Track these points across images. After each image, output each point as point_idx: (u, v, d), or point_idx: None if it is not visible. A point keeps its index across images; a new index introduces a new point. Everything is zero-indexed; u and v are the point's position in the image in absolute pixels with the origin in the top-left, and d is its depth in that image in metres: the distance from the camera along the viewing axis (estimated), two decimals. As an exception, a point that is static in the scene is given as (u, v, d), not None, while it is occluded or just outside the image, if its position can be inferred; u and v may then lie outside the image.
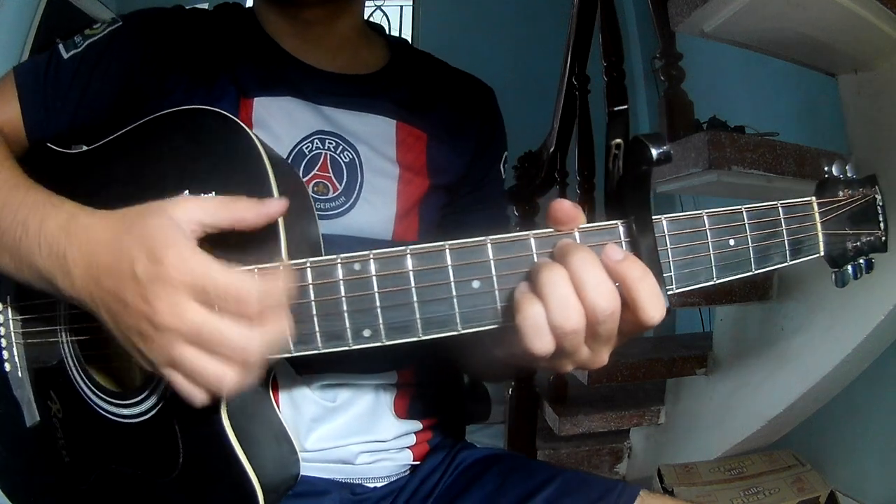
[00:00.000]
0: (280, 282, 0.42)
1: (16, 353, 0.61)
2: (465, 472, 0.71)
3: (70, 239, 0.45)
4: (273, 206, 0.46)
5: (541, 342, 0.40)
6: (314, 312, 0.44)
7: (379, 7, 3.50)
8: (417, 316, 0.43)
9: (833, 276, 0.51)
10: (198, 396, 0.42)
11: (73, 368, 0.58)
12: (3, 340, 0.62)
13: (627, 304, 0.41)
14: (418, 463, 0.72)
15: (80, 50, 0.64)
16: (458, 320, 0.43)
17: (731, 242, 0.45)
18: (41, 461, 0.61)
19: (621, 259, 0.41)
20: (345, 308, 0.44)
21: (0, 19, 2.31)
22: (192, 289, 0.40)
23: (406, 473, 0.72)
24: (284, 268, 0.44)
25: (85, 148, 0.60)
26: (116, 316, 0.43)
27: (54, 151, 0.62)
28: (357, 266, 0.44)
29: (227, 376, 0.41)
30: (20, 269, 0.49)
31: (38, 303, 0.59)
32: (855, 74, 1.33)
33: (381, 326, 0.44)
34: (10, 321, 0.61)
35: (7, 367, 0.61)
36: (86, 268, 0.44)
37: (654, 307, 0.40)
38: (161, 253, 0.41)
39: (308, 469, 0.64)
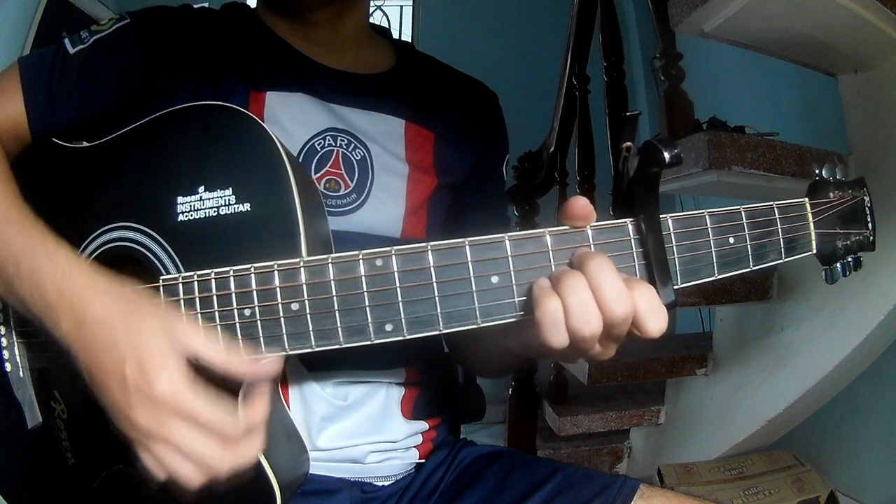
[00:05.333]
0: (262, 410, 0.46)
1: (17, 352, 0.61)
2: (468, 468, 0.72)
3: (61, 304, 0.46)
4: (268, 368, 0.46)
5: (558, 337, 0.42)
6: (336, 308, 0.45)
7: (379, 7, 3.50)
8: (439, 310, 0.45)
9: (823, 273, 0.54)
10: (158, 478, 0.45)
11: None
12: (4, 340, 0.61)
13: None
14: (423, 461, 0.73)
15: (86, 46, 0.64)
16: (477, 314, 0.45)
17: (731, 240, 0.48)
18: (44, 464, 0.60)
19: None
20: (367, 303, 0.45)
21: (0, 19, 2.31)
22: (178, 412, 0.43)
23: (412, 471, 0.73)
24: (263, 393, 0.46)
25: (86, 144, 0.59)
26: (98, 388, 0.45)
27: (60, 147, 0.61)
28: (379, 262, 0.45)
29: (197, 476, 0.44)
30: (14, 302, 0.51)
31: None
32: (855, 74, 1.33)
33: (403, 321, 0.45)
34: (11, 320, 0.61)
35: (7, 367, 0.61)
36: (76, 335, 0.46)
37: (654, 320, 0.43)
38: (152, 373, 0.43)
39: (318, 468, 0.65)
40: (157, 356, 0.43)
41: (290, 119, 0.66)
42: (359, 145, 0.69)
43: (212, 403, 0.44)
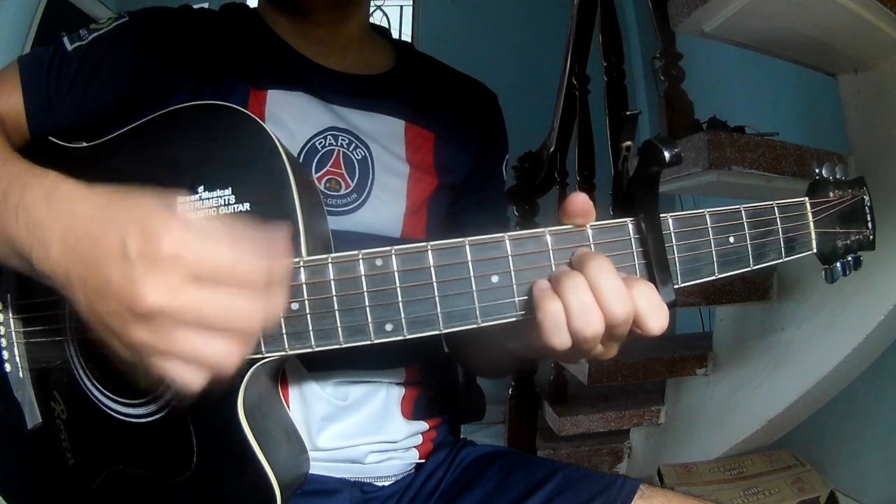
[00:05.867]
0: (286, 257, 0.41)
1: (16, 353, 0.61)
2: (468, 468, 0.72)
3: (50, 207, 0.43)
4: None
5: (560, 338, 0.42)
6: (336, 308, 0.45)
7: (379, 7, 3.50)
8: (439, 310, 0.45)
9: (823, 273, 0.54)
10: (196, 380, 0.39)
11: (79, 368, 0.57)
12: (4, 340, 0.61)
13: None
14: (423, 461, 0.73)
15: (84, 44, 0.64)
16: (477, 314, 0.45)
17: (731, 240, 0.48)
18: (44, 464, 0.60)
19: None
20: (367, 303, 0.45)
21: (0, 19, 2.31)
22: (192, 271, 0.37)
23: (412, 471, 0.73)
24: (286, 242, 0.41)
25: (85, 144, 0.59)
26: (94, 296, 0.39)
27: (58, 146, 0.61)
28: (379, 262, 0.45)
29: (231, 352, 0.39)
30: None
31: (40, 301, 0.59)
32: (855, 74, 1.33)
33: (403, 320, 0.45)
34: (11, 320, 0.61)
35: (7, 367, 0.61)
36: (63, 238, 0.41)
37: (654, 318, 0.43)
38: (158, 233, 0.38)
39: (318, 468, 0.65)
40: (159, 220, 0.38)
41: (292, 118, 0.66)
42: (360, 145, 0.69)
43: (228, 249, 0.38)
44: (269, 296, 0.40)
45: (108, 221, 0.40)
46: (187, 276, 0.37)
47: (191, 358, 0.38)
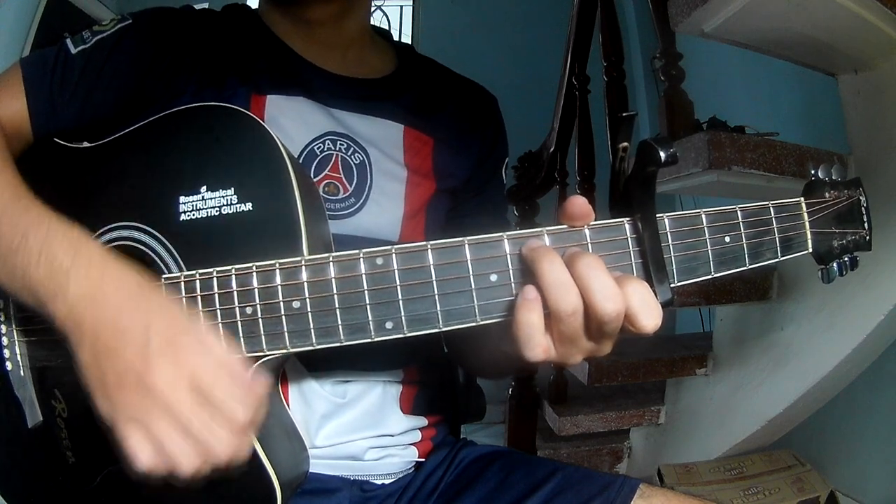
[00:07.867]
0: (263, 403, 0.44)
1: (17, 351, 0.61)
2: (468, 468, 0.72)
3: (76, 266, 0.44)
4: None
5: (533, 351, 0.43)
6: (336, 306, 0.46)
7: (379, 7, 3.50)
8: (438, 308, 0.45)
9: (820, 273, 0.54)
10: (145, 463, 0.41)
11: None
12: (5, 339, 0.61)
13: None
14: (423, 460, 0.73)
15: (88, 46, 0.64)
16: (476, 312, 0.46)
17: (727, 239, 0.48)
18: (44, 463, 0.60)
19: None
20: (367, 301, 0.46)
21: (0, 19, 2.31)
22: (197, 377, 0.41)
23: (412, 471, 0.73)
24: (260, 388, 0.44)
25: (87, 144, 0.59)
26: (103, 352, 0.42)
27: (62, 147, 0.61)
28: (379, 260, 0.45)
29: (190, 461, 0.41)
30: (8, 279, 0.48)
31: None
32: (855, 74, 1.33)
33: (403, 318, 0.46)
34: (12, 318, 0.61)
35: (8, 365, 0.61)
36: (89, 290, 0.43)
37: (647, 316, 0.43)
38: (182, 327, 0.42)
39: (317, 466, 0.65)
40: (186, 319, 0.43)
41: (291, 122, 0.67)
42: (358, 150, 0.69)
43: (232, 377, 0.42)
44: (244, 437, 0.43)
45: (138, 301, 0.43)
46: (192, 378, 0.41)
47: (156, 441, 0.41)
